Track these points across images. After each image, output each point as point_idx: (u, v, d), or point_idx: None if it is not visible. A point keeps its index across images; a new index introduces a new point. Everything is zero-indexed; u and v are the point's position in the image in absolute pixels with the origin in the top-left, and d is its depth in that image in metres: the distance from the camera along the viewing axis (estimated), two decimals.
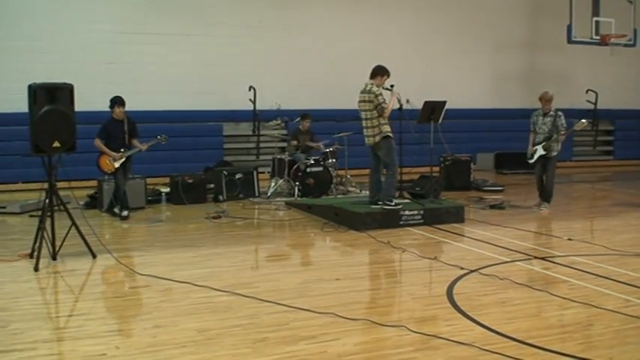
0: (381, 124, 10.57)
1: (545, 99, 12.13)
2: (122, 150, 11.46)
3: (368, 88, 10.63)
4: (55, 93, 8.23)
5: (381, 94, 10.58)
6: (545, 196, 12.40)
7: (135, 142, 11.63)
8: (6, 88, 14.53)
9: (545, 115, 12.15)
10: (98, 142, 11.43)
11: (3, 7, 15.47)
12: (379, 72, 10.72)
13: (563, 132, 11.97)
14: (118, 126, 11.49)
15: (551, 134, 11.99)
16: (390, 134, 10.64)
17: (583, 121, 12.24)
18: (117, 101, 11.48)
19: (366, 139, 10.79)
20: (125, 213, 11.44)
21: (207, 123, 17.38)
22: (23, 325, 5.89)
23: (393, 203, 10.68)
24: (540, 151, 12.07)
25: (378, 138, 10.61)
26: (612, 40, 18.01)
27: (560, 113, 12.09)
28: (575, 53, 19.91)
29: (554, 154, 12.12)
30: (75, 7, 16.03)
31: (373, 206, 10.74)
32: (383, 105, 10.48)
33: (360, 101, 10.77)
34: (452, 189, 14.43)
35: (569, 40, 17.87)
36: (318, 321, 5.94)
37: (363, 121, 10.77)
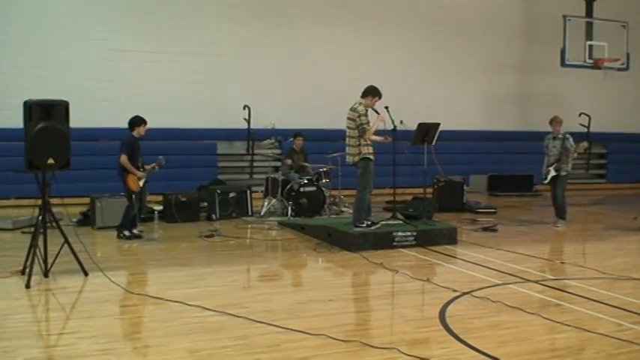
0: (362, 145, 10.59)
1: (556, 122, 12.98)
2: (142, 169, 11.31)
3: (355, 107, 10.68)
4: (51, 110, 8.24)
5: (365, 115, 10.60)
6: (559, 213, 13.11)
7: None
8: (1, 104, 14.51)
9: (554, 138, 12.96)
10: (125, 160, 11.00)
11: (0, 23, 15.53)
12: (370, 92, 10.76)
13: (569, 154, 12.72)
14: (137, 144, 11.28)
15: (560, 156, 12.76)
16: (370, 156, 10.68)
17: (584, 143, 13.05)
18: (144, 120, 11.28)
19: (347, 157, 10.89)
20: (136, 231, 11.44)
21: (201, 141, 17.41)
22: (14, 342, 5.85)
23: (364, 225, 10.72)
24: (552, 172, 12.86)
25: (357, 158, 10.65)
26: (605, 64, 18.13)
27: (568, 136, 12.92)
28: (568, 76, 20.02)
29: (564, 173, 12.87)
30: (72, 24, 16.11)
31: (356, 228, 10.74)
32: (365, 126, 10.51)
33: (347, 118, 10.81)
34: (445, 210, 14.46)
35: (563, 64, 17.98)
36: (311, 342, 5.92)
37: (347, 139, 10.81)
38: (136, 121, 11.28)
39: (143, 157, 11.47)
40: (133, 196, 11.17)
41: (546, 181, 13.11)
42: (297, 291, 8.37)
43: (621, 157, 22.27)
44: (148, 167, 11.42)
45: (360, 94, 10.83)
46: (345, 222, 11.48)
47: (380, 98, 10.79)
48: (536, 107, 20.48)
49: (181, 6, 17.18)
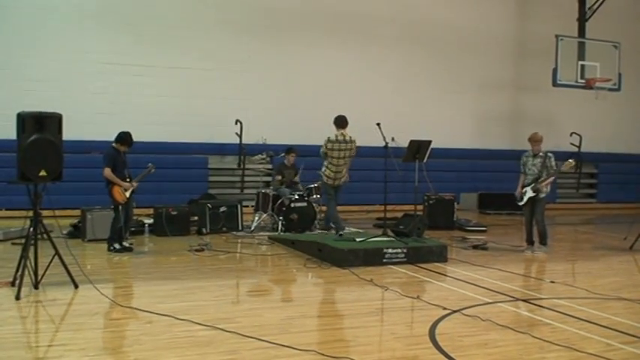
0: None
1: (535, 140, 12.21)
2: (128, 179, 11.28)
3: (350, 138, 11.92)
4: (44, 122, 8.24)
5: None
6: (540, 238, 12.34)
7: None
8: None
9: (534, 156, 12.20)
10: (109, 172, 10.99)
11: None
12: (347, 122, 11.91)
13: (552, 173, 11.99)
14: (120, 155, 11.25)
15: (540, 175, 11.98)
16: None
17: (570, 160, 12.10)
18: (131, 143, 11.27)
19: (342, 179, 12.10)
20: (127, 244, 11.43)
21: (192, 155, 17.40)
22: (3, 353, 5.83)
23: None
24: (530, 192, 12.07)
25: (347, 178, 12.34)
26: (597, 84, 18.19)
27: (550, 155, 12.11)
28: (560, 96, 20.13)
29: (543, 195, 12.12)
30: (65, 37, 16.11)
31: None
32: None
33: (345, 150, 11.86)
34: (435, 228, 14.49)
35: (555, 83, 18.05)
36: (300, 358, 5.92)
37: (344, 167, 12.07)
38: (125, 139, 11.24)
39: (129, 169, 11.41)
40: (120, 207, 11.15)
41: (522, 203, 12.24)
42: (287, 306, 8.35)
43: (612, 177, 22.37)
44: (135, 179, 11.41)
45: (342, 126, 11.88)
46: (335, 237, 11.52)
47: None
48: (528, 126, 20.43)
49: (175, 20, 17.20)
